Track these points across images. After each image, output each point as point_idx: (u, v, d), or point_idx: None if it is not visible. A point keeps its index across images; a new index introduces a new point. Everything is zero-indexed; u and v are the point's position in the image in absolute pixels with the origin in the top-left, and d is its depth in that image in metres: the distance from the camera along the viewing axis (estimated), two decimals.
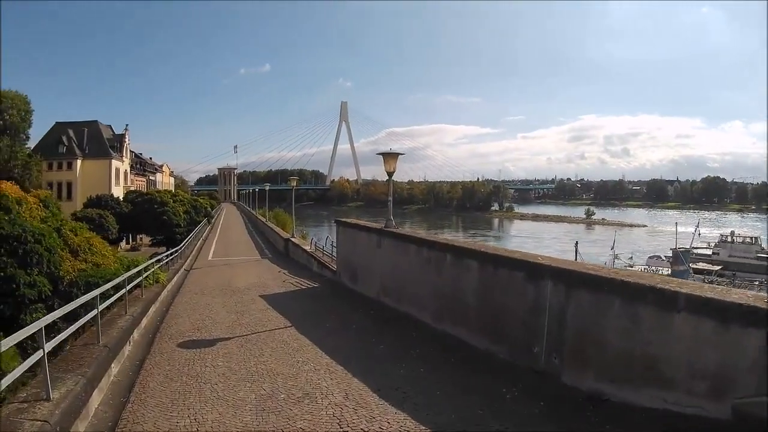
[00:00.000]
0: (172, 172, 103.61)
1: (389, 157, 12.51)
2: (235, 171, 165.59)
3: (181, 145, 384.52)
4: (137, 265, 12.43)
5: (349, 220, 16.36)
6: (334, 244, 17.60)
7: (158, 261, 16.15)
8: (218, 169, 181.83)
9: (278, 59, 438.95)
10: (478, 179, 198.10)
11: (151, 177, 75.42)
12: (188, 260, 25.06)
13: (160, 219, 38.27)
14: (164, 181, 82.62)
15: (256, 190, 73.97)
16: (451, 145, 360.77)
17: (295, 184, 28.08)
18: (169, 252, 20.59)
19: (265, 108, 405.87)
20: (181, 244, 24.33)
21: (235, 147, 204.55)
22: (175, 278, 18.01)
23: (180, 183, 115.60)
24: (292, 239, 27.28)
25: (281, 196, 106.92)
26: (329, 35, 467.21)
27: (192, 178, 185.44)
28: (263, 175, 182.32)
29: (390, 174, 12.68)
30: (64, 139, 53.87)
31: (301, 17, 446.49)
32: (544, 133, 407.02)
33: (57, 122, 56.78)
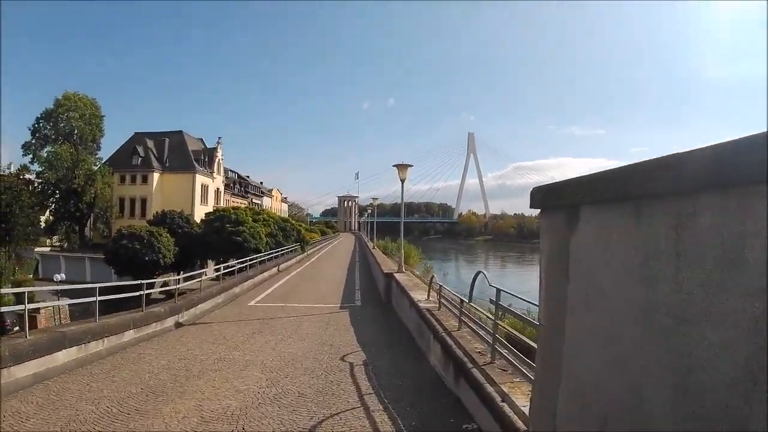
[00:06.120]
0: (285, 198, 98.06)
1: None
2: (356, 199, 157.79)
3: (306, 180, 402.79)
4: None
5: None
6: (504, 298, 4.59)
7: None
8: (338, 197, 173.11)
9: (402, 93, 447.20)
10: None
11: (255, 200, 68.56)
12: (207, 302, 13.92)
13: (232, 240, 28.71)
14: (274, 207, 76.07)
15: (368, 212, 63.48)
16: None
17: (405, 176, 15.56)
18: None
19: (390, 141, 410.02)
20: (165, 280, 13.04)
21: (357, 174, 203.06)
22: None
23: (297, 211, 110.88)
24: (396, 275, 14.66)
25: (407, 228, 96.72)
26: (454, 67, 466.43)
27: (316, 211, 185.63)
28: (389, 207, 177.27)
29: None
30: (140, 149, 47.47)
31: (427, 50, 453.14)
32: None
33: (136, 132, 50.82)
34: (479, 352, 5.44)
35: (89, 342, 8.27)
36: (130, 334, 9.66)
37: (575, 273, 2.81)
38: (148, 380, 6.80)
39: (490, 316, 5.57)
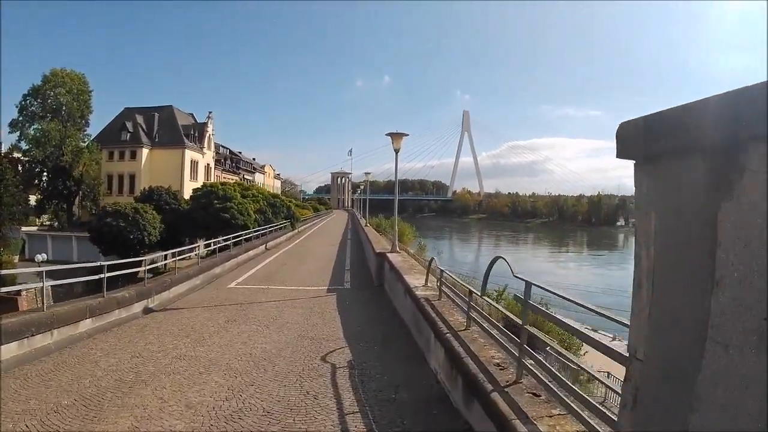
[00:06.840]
0: (278, 174, 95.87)
1: None
2: (350, 176, 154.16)
3: (300, 157, 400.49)
4: None
5: None
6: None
7: None
8: (331, 173, 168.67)
9: (397, 71, 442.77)
10: (598, 194, 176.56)
11: (247, 176, 66.65)
12: (182, 285, 12.72)
13: (219, 217, 27.65)
14: (267, 183, 74.21)
15: (360, 188, 62.07)
16: (570, 159, 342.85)
17: (398, 146, 14.19)
18: None
19: (385, 119, 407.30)
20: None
21: (350, 151, 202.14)
22: None
23: (290, 188, 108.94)
24: (389, 255, 13.43)
25: (400, 206, 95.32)
26: (450, 47, 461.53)
27: (310, 188, 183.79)
28: (383, 184, 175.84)
29: None
30: (129, 125, 45.77)
31: (422, 27, 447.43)
32: None
33: (126, 108, 49.23)
34: (497, 364, 4.14)
35: (34, 335, 7.01)
36: (86, 324, 8.39)
37: (736, 270, 1.46)
38: (86, 387, 5.54)
39: (513, 315, 4.28)
